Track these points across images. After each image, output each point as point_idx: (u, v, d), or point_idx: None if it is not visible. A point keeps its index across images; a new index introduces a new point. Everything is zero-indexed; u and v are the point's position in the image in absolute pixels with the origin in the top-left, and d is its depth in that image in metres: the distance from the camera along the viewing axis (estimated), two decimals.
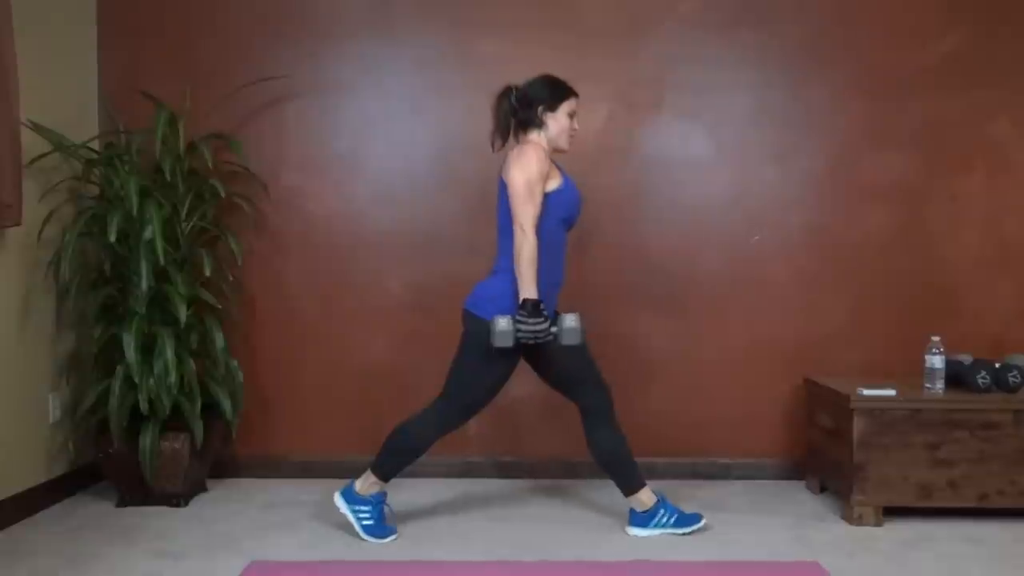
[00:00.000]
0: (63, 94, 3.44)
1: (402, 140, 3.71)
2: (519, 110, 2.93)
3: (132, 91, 3.57)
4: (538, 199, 2.79)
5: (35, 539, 2.94)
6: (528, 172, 2.78)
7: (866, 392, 3.11)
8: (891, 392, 3.11)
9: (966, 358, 3.29)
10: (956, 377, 3.22)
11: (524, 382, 3.20)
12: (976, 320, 3.66)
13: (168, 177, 3.35)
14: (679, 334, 3.70)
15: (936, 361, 3.17)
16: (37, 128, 3.18)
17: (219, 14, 3.68)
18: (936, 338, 3.20)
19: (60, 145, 3.27)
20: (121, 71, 3.66)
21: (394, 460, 2.96)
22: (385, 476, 2.96)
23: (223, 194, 3.44)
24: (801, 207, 3.70)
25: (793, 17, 3.67)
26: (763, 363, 3.68)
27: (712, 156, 3.69)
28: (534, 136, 2.93)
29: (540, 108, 2.91)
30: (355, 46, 3.69)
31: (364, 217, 3.70)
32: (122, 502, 3.29)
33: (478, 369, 2.87)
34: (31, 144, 3.14)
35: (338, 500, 2.97)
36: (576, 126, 2.98)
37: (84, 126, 3.55)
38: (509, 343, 2.72)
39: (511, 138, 2.97)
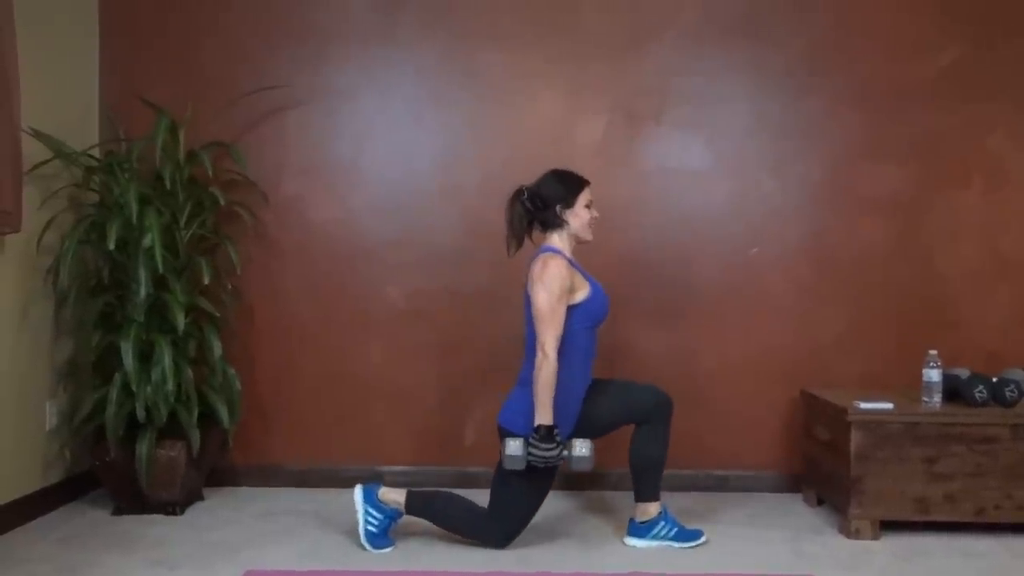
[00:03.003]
0: (64, 101, 3.45)
1: (402, 149, 3.71)
2: (535, 212, 2.91)
3: (133, 99, 3.58)
4: (560, 318, 2.78)
5: (31, 547, 2.93)
6: (551, 292, 2.77)
7: (863, 406, 3.11)
8: (888, 406, 3.11)
9: (963, 372, 3.29)
10: (953, 391, 3.22)
11: None
12: (973, 333, 3.67)
13: (168, 185, 3.35)
14: (676, 345, 3.70)
15: (933, 375, 3.18)
16: (38, 135, 3.18)
17: (220, 22, 3.69)
18: (933, 352, 3.21)
19: (60, 152, 3.28)
20: (122, 79, 3.67)
21: (427, 514, 2.96)
22: (410, 513, 2.95)
23: (223, 202, 3.44)
24: (799, 218, 3.70)
25: (792, 29, 3.68)
26: (760, 375, 3.69)
27: (711, 167, 3.70)
28: (555, 239, 2.91)
29: (558, 207, 2.89)
30: (356, 55, 3.70)
31: (363, 226, 3.71)
32: (118, 510, 3.29)
33: (514, 483, 2.86)
34: (31, 151, 3.14)
35: (357, 494, 2.95)
36: (596, 214, 2.96)
37: (84, 133, 3.56)
38: (519, 467, 2.76)
39: (528, 239, 2.96)
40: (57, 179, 3.34)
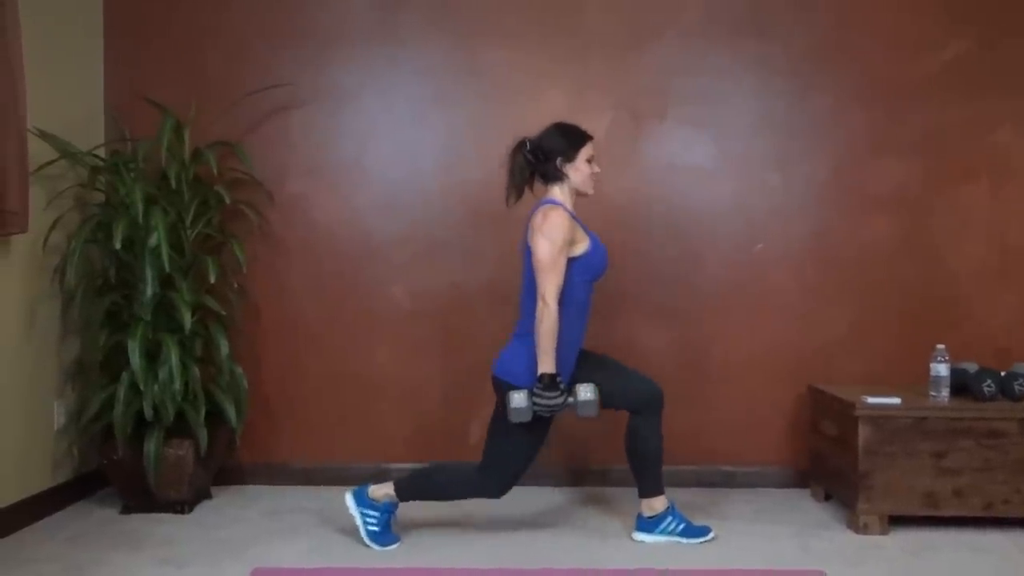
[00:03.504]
0: (69, 102, 3.46)
1: (406, 148, 3.72)
2: (536, 164, 2.90)
3: (138, 99, 3.59)
4: (561, 268, 2.78)
5: (39, 546, 2.94)
6: (552, 242, 2.76)
7: (871, 400, 3.10)
8: (896, 400, 3.10)
9: (971, 366, 3.28)
10: (961, 385, 3.21)
11: None
12: (981, 328, 3.65)
13: (173, 184, 3.36)
14: (682, 342, 3.70)
15: (941, 369, 3.17)
16: (43, 135, 3.19)
17: (224, 23, 3.69)
18: (941, 346, 3.20)
19: (66, 152, 3.29)
20: (127, 79, 3.68)
21: (418, 494, 2.97)
22: (402, 499, 2.97)
23: (228, 201, 3.45)
24: (804, 215, 3.70)
25: (796, 26, 3.68)
26: (767, 371, 3.68)
27: (715, 164, 3.70)
28: (556, 192, 2.91)
29: (559, 160, 2.89)
30: (360, 54, 3.70)
31: (368, 225, 3.71)
32: (126, 509, 3.30)
33: (513, 434, 2.86)
34: (37, 151, 3.15)
35: (348, 500, 2.96)
36: (597, 169, 2.96)
37: (90, 133, 3.57)
38: (526, 418, 2.75)
39: (528, 191, 2.95)
40: (63, 179, 3.35)
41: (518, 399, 2.74)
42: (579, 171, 2.91)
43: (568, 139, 2.91)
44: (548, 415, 2.78)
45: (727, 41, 3.68)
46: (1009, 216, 3.68)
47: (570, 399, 2.78)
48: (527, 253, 2.85)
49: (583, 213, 2.99)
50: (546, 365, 2.74)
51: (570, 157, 2.89)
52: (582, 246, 2.85)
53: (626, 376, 2.97)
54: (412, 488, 2.96)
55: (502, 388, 2.85)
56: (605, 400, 2.87)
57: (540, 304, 2.75)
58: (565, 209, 2.86)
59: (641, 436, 2.95)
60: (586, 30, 3.68)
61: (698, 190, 3.70)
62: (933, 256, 3.68)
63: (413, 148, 3.72)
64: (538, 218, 2.83)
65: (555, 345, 2.74)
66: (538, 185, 2.97)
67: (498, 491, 2.95)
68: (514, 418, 2.75)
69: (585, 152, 2.92)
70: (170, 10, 3.69)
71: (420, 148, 3.71)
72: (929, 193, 3.68)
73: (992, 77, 3.66)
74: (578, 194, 2.94)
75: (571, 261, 2.82)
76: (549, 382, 2.74)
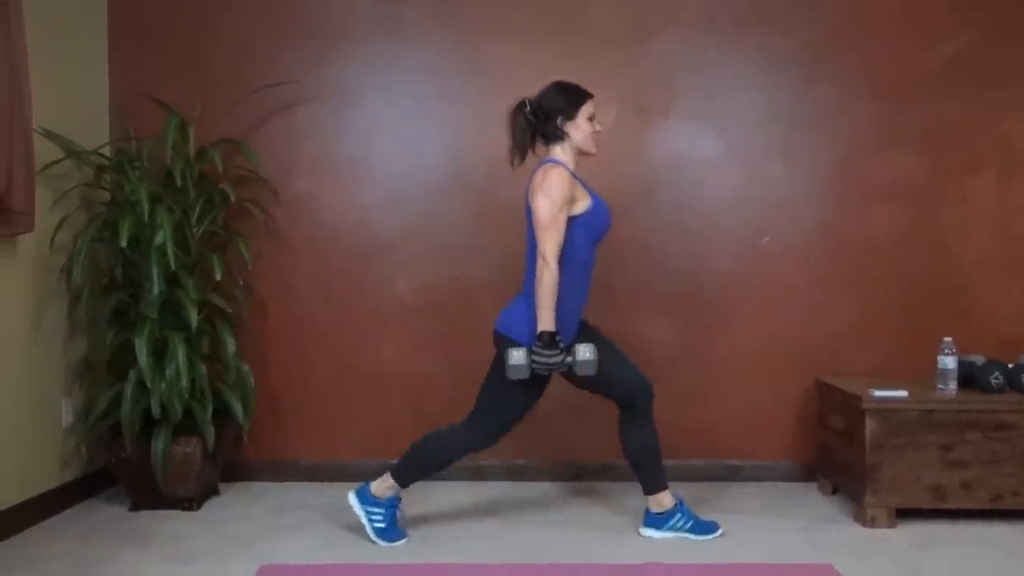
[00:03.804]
0: (74, 101, 3.47)
1: (411, 144, 3.72)
2: (537, 124, 2.89)
3: (142, 98, 3.60)
4: (561, 226, 2.76)
5: (48, 543, 2.95)
6: (552, 200, 2.75)
7: (878, 393, 3.09)
8: (903, 393, 3.09)
9: (978, 359, 3.27)
10: (969, 378, 3.20)
11: None
12: (988, 321, 3.64)
13: (179, 182, 3.36)
14: (688, 335, 3.69)
15: (948, 362, 3.16)
16: (49, 135, 3.20)
17: (228, 21, 3.70)
18: (948, 339, 3.19)
19: (71, 152, 3.30)
20: (131, 78, 3.69)
21: (416, 471, 2.97)
22: (404, 483, 2.97)
23: (233, 199, 3.45)
24: (810, 208, 3.69)
25: (801, 18, 3.66)
26: (773, 364, 3.67)
27: (720, 157, 3.69)
28: (558, 151, 2.90)
29: (559, 119, 2.87)
30: (363, 51, 3.70)
31: (373, 221, 3.72)
32: (135, 506, 3.31)
33: (510, 389, 2.86)
34: (43, 151, 3.16)
35: (352, 500, 2.97)
36: (599, 127, 2.95)
37: (95, 133, 3.58)
38: (524, 376, 2.75)
39: (531, 153, 2.94)
40: (68, 178, 3.36)
41: (517, 356, 2.73)
42: (580, 129, 2.89)
43: (568, 97, 2.89)
44: (546, 373, 2.77)
45: (730, 34, 3.67)
46: (1015, 208, 3.66)
47: (568, 358, 2.77)
48: (528, 213, 2.85)
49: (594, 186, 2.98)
50: (546, 323, 2.73)
51: (571, 115, 2.87)
52: (583, 204, 2.83)
53: (623, 364, 2.96)
54: (409, 467, 2.95)
55: (502, 343, 2.84)
56: (595, 385, 2.88)
57: (540, 262, 2.74)
58: (566, 168, 2.84)
59: (634, 434, 2.96)
60: (590, 25, 3.67)
61: (703, 183, 3.69)
62: (939, 248, 3.66)
63: (417, 144, 3.72)
64: (538, 177, 2.82)
65: (555, 303, 2.73)
66: (541, 147, 2.94)
67: (486, 442, 2.96)
68: (512, 375, 2.74)
69: (586, 110, 2.90)
70: (174, 9, 3.70)
71: (424, 144, 3.71)
72: (935, 185, 3.67)
73: (998, 68, 3.64)
74: (580, 153, 2.92)
75: (572, 220, 2.80)
76: (548, 340, 2.73)
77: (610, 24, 3.68)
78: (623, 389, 2.93)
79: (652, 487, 2.99)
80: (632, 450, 2.97)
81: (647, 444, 2.96)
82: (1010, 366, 3.16)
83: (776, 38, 3.66)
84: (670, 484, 3.04)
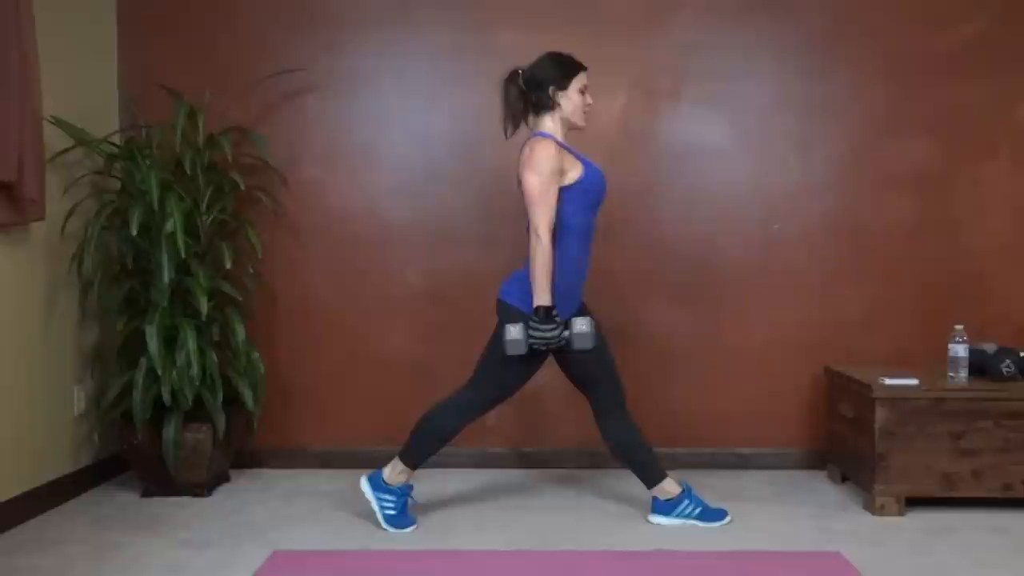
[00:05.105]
0: (84, 90, 3.47)
1: (420, 132, 3.71)
2: (529, 93, 2.88)
3: (152, 86, 3.60)
4: (552, 200, 2.76)
5: (62, 529, 2.98)
6: (540, 174, 2.74)
7: (888, 381, 3.08)
8: (914, 381, 3.08)
9: (990, 346, 3.25)
10: (980, 366, 3.18)
11: (543, 372, 3.19)
12: (1000, 308, 3.62)
13: (188, 171, 3.37)
14: (699, 323, 3.68)
15: (959, 350, 3.14)
16: (59, 123, 3.21)
17: (237, 8, 3.69)
18: (959, 326, 3.17)
19: (82, 140, 3.30)
20: (141, 66, 3.69)
21: (422, 448, 2.98)
22: (414, 464, 2.98)
23: (243, 187, 3.46)
24: (823, 194, 3.66)
25: (813, 3, 3.63)
26: (784, 352, 3.66)
27: (732, 144, 3.67)
28: (547, 122, 2.89)
29: (551, 89, 2.86)
30: (373, 38, 3.69)
31: (382, 208, 3.71)
32: (147, 492, 3.34)
33: (507, 362, 2.86)
34: (53, 139, 3.17)
35: (364, 486, 2.99)
36: (590, 100, 2.93)
37: (105, 121, 3.59)
38: (521, 351, 2.75)
39: (524, 124, 2.93)
40: (79, 167, 3.37)
41: (514, 331, 2.74)
42: (571, 100, 2.87)
43: (561, 67, 2.88)
44: (544, 348, 2.77)
45: (743, 19, 3.64)
46: None
47: (566, 332, 2.77)
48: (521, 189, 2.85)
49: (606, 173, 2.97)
50: (541, 298, 2.73)
51: (563, 85, 2.86)
52: (574, 173, 2.82)
53: (610, 366, 2.97)
54: (415, 447, 2.97)
55: (504, 313, 2.85)
56: (580, 374, 2.92)
57: (533, 238, 2.74)
58: (554, 140, 2.82)
59: (616, 437, 2.98)
60: (599, 9, 3.65)
61: (714, 170, 3.67)
62: (952, 235, 3.64)
63: (427, 132, 3.71)
64: (526, 152, 2.81)
65: (550, 278, 2.73)
66: (533, 119, 2.93)
67: (480, 411, 2.98)
68: (510, 350, 2.75)
69: (578, 82, 2.88)
70: None
71: (434, 132, 3.71)
72: (949, 171, 3.64)
73: (1012, 53, 3.60)
74: (570, 126, 2.91)
75: (565, 190, 2.79)
76: (544, 315, 2.73)
77: (620, 9, 3.65)
78: (600, 393, 2.95)
79: (653, 480, 3.00)
80: (617, 447, 2.99)
81: (631, 440, 2.98)
82: (1022, 354, 3.14)
83: (789, 23, 3.63)
84: (680, 471, 3.04)
